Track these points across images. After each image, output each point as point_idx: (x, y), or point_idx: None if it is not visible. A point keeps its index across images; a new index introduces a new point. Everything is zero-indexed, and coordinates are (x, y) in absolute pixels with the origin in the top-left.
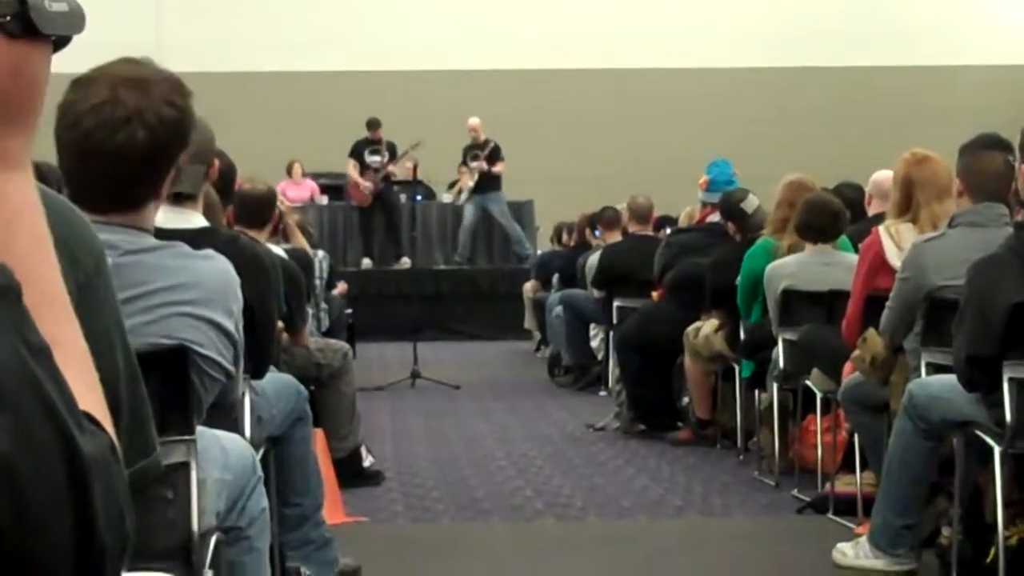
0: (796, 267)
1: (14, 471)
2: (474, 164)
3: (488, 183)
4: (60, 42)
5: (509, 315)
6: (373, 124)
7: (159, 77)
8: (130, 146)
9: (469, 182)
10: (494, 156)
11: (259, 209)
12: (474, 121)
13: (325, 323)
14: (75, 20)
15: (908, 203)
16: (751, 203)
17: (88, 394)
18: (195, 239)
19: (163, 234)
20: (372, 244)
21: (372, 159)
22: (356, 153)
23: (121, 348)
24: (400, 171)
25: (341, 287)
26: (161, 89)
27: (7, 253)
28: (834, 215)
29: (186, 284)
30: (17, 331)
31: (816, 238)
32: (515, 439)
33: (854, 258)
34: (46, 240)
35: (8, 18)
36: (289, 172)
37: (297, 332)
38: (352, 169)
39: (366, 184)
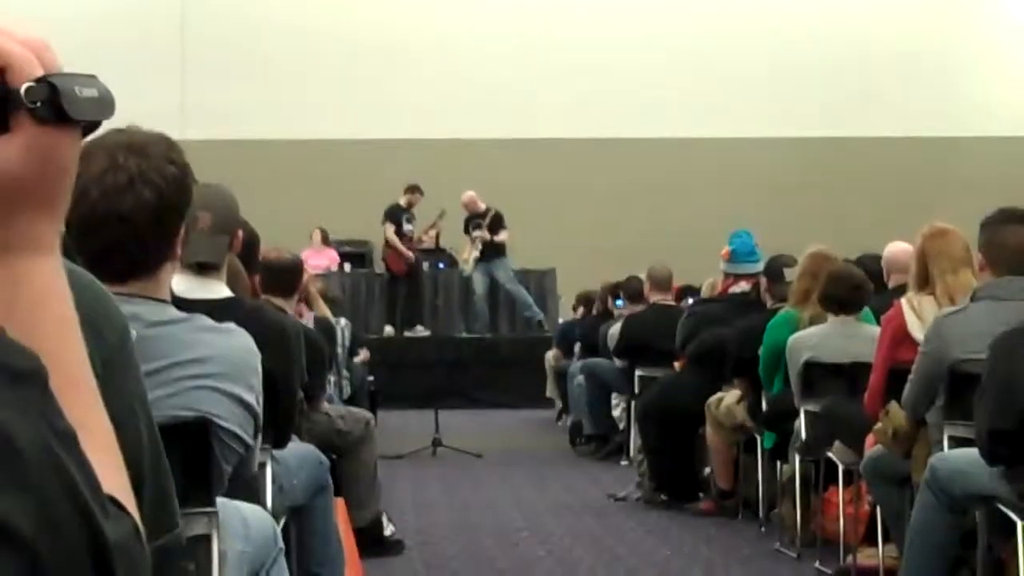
0: (819, 338)
1: (38, 556)
2: (476, 233)
3: (492, 251)
4: (89, 128)
5: (530, 383)
6: (414, 189)
7: (153, 138)
8: (139, 209)
9: (474, 252)
10: (496, 224)
11: (286, 278)
12: (467, 195)
13: (347, 391)
14: (105, 106)
15: (926, 276)
16: (791, 273)
17: (113, 476)
18: (218, 309)
19: (186, 304)
20: (395, 312)
21: (408, 227)
22: (394, 218)
23: (145, 422)
24: (425, 240)
25: (363, 354)
26: (158, 149)
27: (34, 337)
28: (857, 287)
29: (208, 358)
30: (43, 416)
31: (839, 310)
32: (536, 508)
33: (876, 330)
34: (73, 323)
35: (39, 104)
36: (311, 239)
37: (315, 400)
38: (392, 234)
39: (408, 253)
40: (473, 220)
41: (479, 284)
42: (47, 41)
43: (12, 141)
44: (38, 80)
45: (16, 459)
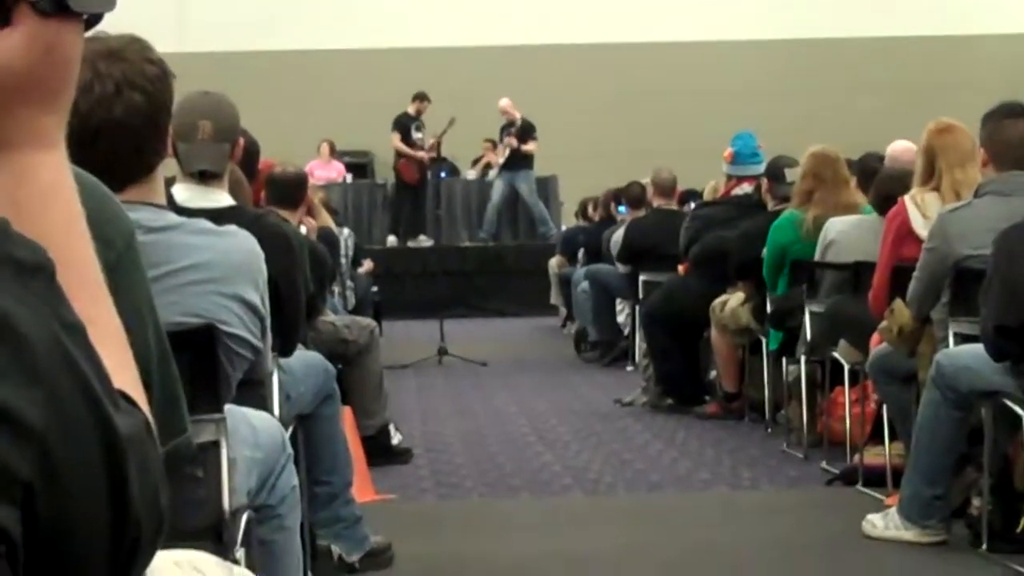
0: (847, 225)
1: (48, 447)
2: (506, 140)
3: (518, 161)
4: (91, 20)
5: (535, 291)
6: (422, 97)
7: (126, 41)
8: (132, 113)
9: (499, 159)
10: (525, 135)
11: (290, 191)
12: (504, 102)
13: (351, 301)
14: None
15: (932, 171)
16: (792, 174)
17: (123, 372)
18: (221, 217)
19: (189, 212)
20: (399, 222)
21: (417, 135)
22: (403, 127)
23: (152, 327)
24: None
25: (367, 265)
26: (135, 51)
27: (41, 231)
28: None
29: (211, 262)
30: (51, 309)
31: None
32: (542, 415)
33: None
34: (80, 218)
35: None
36: (319, 151)
37: (317, 313)
38: (399, 143)
39: (420, 156)
40: (506, 128)
41: (497, 192)
42: None
43: (14, 34)
44: None
45: (25, 350)
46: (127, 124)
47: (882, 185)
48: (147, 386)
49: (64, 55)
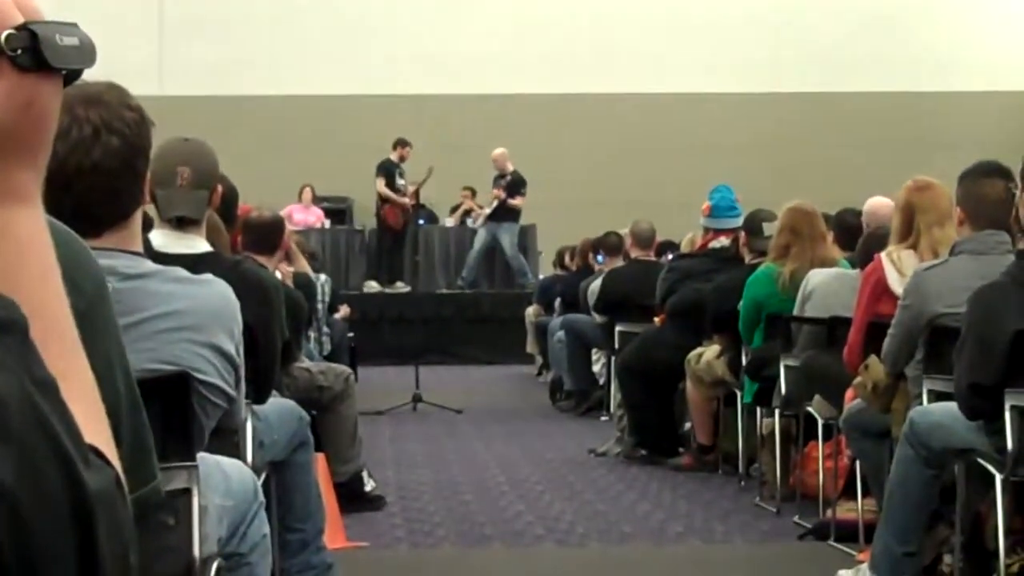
0: (823, 279)
1: (17, 505)
2: (494, 191)
3: (504, 213)
4: (71, 76)
5: (511, 339)
6: (404, 143)
7: (104, 87)
8: (109, 157)
9: (487, 208)
10: (515, 188)
11: (267, 236)
12: (497, 152)
13: (327, 347)
14: (86, 54)
15: (909, 229)
16: (770, 227)
17: (94, 427)
18: (198, 264)
19: (166, 259)
20: (380, 267)
21: (400, 182)
22: (387, 173)
23: (122, 375)
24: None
25: (343, 310)
26: (114, 96)
27: (15, 287)
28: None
29: (186, 310)
30: (23, 365)
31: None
32: (516, 464)
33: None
34: (54, 273)
35: (19, 52)
36: (300, 196)
37: (292, 359)
38: (384, 187)
39: (405, 202)
40: (497, 179)
41: (479, 240)
42: None
43: None
44: (18, 28)
45: None
46: (104, 168)
47: (869, 243)
48: (116, 434)
49: (42, 111)
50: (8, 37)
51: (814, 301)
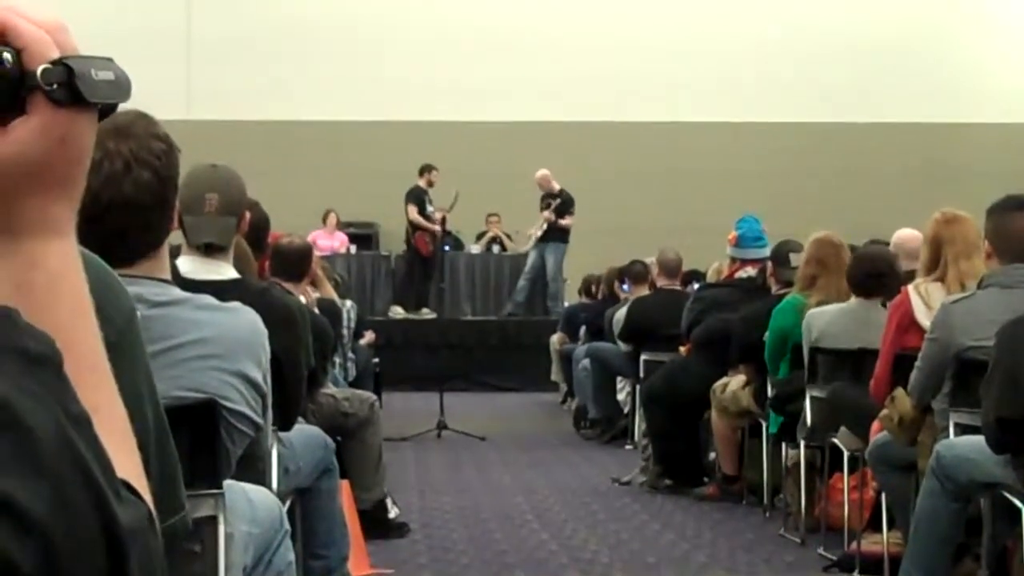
0: (831, 316)
1: (51, 540)
2: (544, 214)
3: (552, 233)
4: (105, 110)
5: (536, 367)
6: (431, 168)
7: (133, 117)
8: (140, 191)
9: (537, 232)
10: (562, 208)
11: (295, 263)
12: (541, 173)
13: (352, 373)
14: (121, 89)
15: (937, 262)
16: (797, 258)
17: (126, 461)
18: (225, 291)
19: (193, 285)
20: (406, 293)
21: (430, 208)
22: (418, 200)
23: (151, 405)
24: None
25: (369, 336)
26: (142, 127)
27: (48, 319)
28: (876, 274)
29: (214, 338)
30: (58, 401)
31: (857, 292)
32: (540, 492)
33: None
34: (87, 307)
35: (55, 86)
36: (324, 221)
37: (318, 386)
38: (416, 215)
39: (437, 229)
40: (545, 199)
41: (529, 263)
42: (64, 22)
43: (29, 123)
44: (54, 62)
45: (31, 443)
46: (136, 201)
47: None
48: (146, 465)
49: (77, 145)
50: (44, 72)
51: (826, 342)
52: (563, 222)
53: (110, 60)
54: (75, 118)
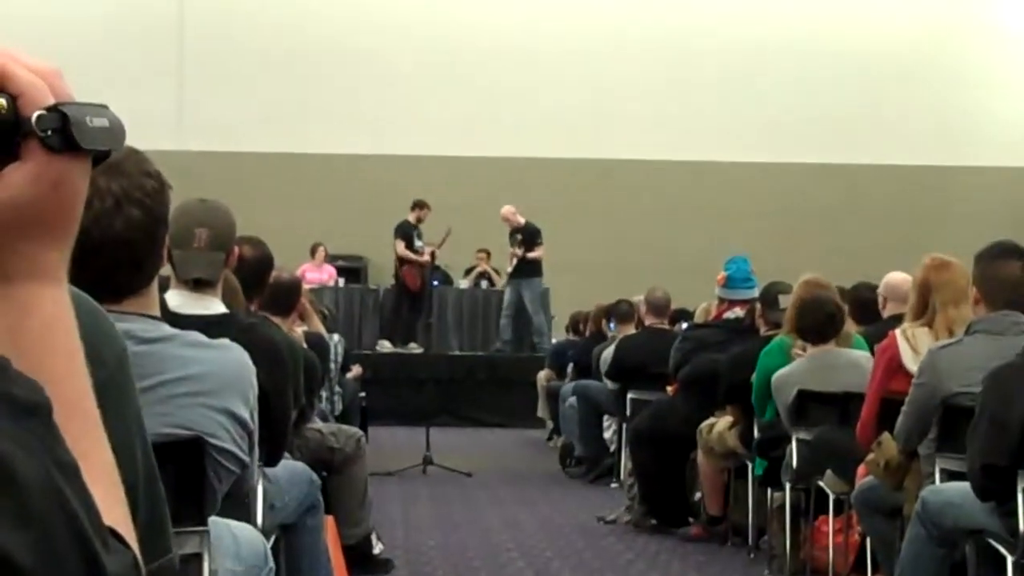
0: (800, 374)
1: None
2: (511, 249)
3: (524, 267)
4: (99, 157)
5: (522, 403)
6: (422, 205)
7: (124, 153)
8: (131, 229)
9: (508, 268)
10: (531, 240)
11: (285, 297)
12: (506, 209)
13: (339, 407)
14: (115, 136)
15: (924, 307)
16: (785, 300)
17: (113, 509)
18: (213, 325)
19: (181, 320)
20: (394, 327)
21: (419, 243)
22: (406, 235)
23: (140, 445)
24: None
25: (356, 370)
26: (133, 164)
27: (39, 365)
28: (829, 316)
29: (202, 375)
30: (47, 449)
31: (815, 339)
32: (525, 530)
33: (859, 355)
34: (78, 353)
35: (50, 133)
36: (313, 254)
37: (305, 421)
38: (403, 250)
39: (425, 264)
40: (512, 235)
41: (507, 300)
42: (59, 69)
43: (22, 169)
44: (49, 108)
45: (18, 492)
46: (126, 239)
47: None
48: (133, 506)
49: (71, 191)
50: (39, 118)
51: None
52: (532, 255)
53: (105, 107)
54: (69, 165)
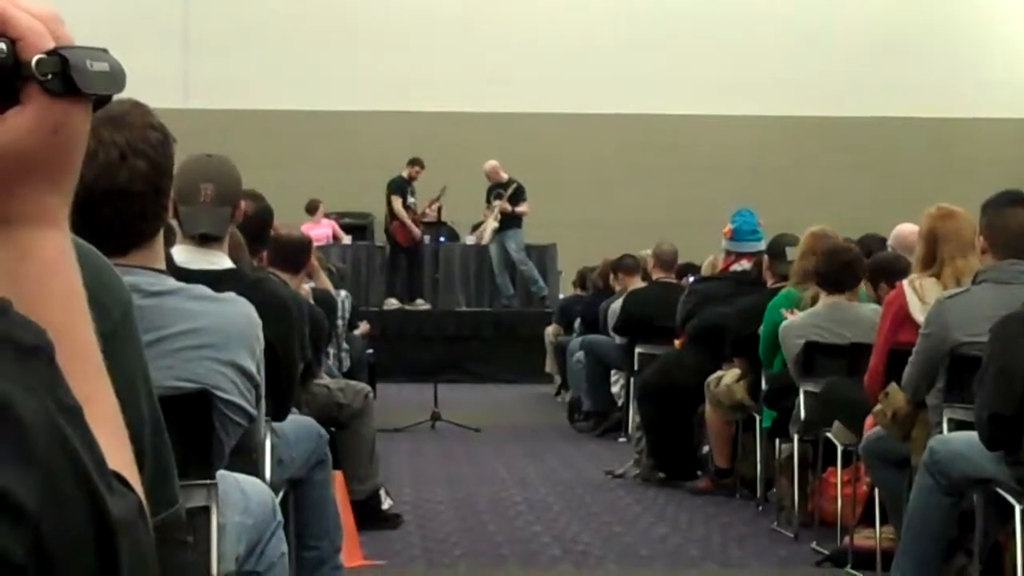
0: (806, 328)
1: (42, 530)
2: (496, 203)
3: (508, 221)
4: (100, 101)
5: (530, 358)
6: (417, 163)
7: (128, 107)
8: (136, 180)
9: (493, 223)
10: (517, 196)
11: (294, 254)
12: (490, 164)
13: (346, 363)
14: (115, 80)
15: (932, 258)
16: (793, 252)
17: (118, 453)
18: (219, 280)
19: (188, 275)
20: (396, 284)
21: (411, 200)
22: (400, 191)
23: (146, 397)
24: (428, 213)
25: (363, 327)
26: (137, 116)
27: (40, 309)
28: (848, 264)
29: (207, 328)
30: (49, 392)
31: (832, 288)
32: (534, 484)
33: (869, 310)
34: (80, 297)
35: (50, 76)
36: (310, 211)
37: (312, 376)
38: (400, 207)
39: (414, 228)
40: (495, 190)
41: (494, 255)
42: (59, 13)
43: (23, 113)
44: (49, 52)
45: (21, 433)
46: (131, 191)
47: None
48: (139, 456)
49: (71, 135)
50: (39, 62)
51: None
52: (519, 209)
53: (105, 51)
54: (69, 109)
